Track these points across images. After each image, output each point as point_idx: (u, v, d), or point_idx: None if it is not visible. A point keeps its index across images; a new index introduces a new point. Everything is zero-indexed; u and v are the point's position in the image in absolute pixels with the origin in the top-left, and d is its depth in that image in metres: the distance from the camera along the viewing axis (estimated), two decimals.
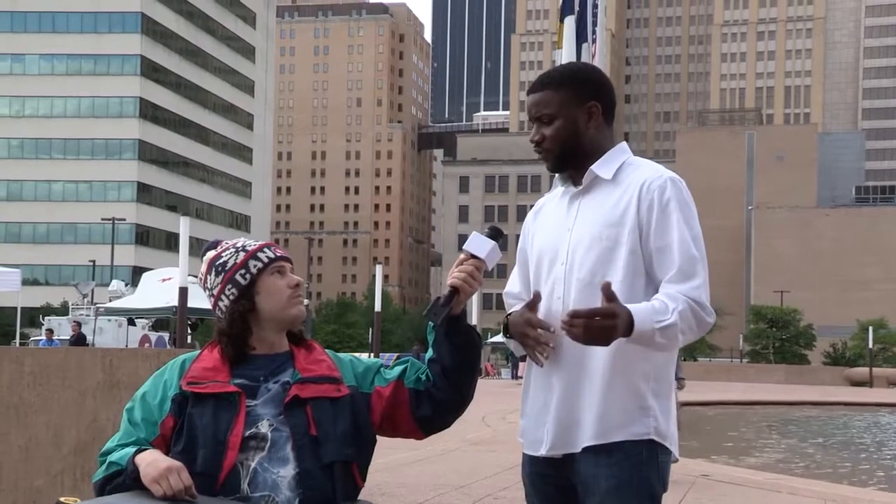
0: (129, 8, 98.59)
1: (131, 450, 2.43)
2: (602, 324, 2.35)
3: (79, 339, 27.07)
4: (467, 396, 2.59)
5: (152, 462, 2.36)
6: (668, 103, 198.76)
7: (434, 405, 2.56)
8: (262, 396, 2.49)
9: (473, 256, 2.50)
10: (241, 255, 2.59)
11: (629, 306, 2.40)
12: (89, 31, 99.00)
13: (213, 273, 2.60)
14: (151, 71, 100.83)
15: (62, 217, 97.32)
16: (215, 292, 2.59)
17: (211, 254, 2.64)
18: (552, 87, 2.63)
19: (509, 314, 2.66)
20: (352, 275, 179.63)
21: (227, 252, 2.61)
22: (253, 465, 2.41)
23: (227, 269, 2.58)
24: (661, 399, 2.53)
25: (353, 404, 2.54)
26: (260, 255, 2.59)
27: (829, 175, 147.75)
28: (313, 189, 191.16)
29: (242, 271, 2.56)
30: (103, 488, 2.45)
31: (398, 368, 2.61)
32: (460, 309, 2.52)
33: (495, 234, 2.55)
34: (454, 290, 2.49)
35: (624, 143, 2.68)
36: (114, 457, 2.46)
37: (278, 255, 2.61)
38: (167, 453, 2.44)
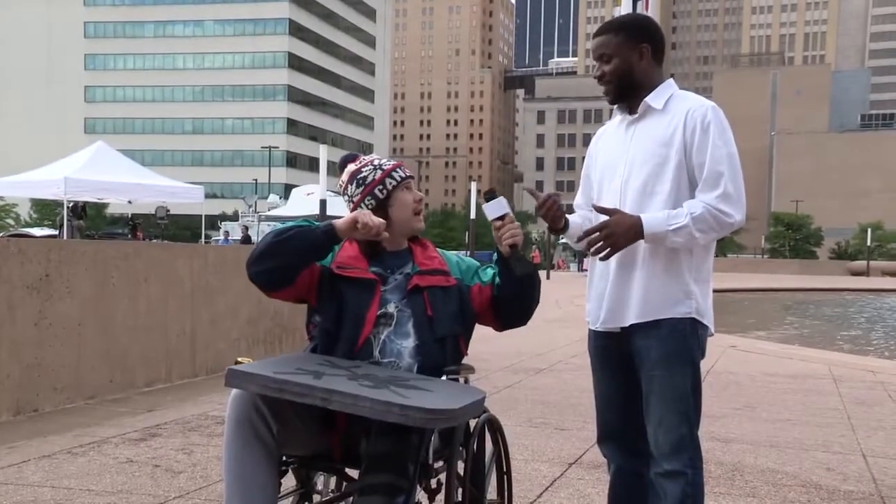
0: None
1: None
2: (602, 236, 2.36)
3: (246, 239, 27.82)
4: (531, 308, 2.57)
5: (345, 218, 2.36)
6: (706, 49, 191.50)
7: (508, 312, 2.55)
8: (390, 285, 2.47)
9: (500, 218, 2.45)
10: (379, 172, 2.53)
11: (643, 215, 2.37)
12: (250, 1, 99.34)
13: (355, 184, 2.54)
14: (297, 31, 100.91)
15: (233, 146, 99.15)
16: (355, 200, 2.53)
17: (352, 167, 2.58)
18: (612, 32, 2.53)
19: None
20: (452, 189, 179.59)
21: (367, 168, 2.55)
22: (382, 337, 2.40)
23: (366, 183, 2.52)
24: (701, 284, 2.47)
25: (459, 292, 2.52)
26: (394, 174, 2.53)
27: (839, 106, 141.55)
28: (421, 122, 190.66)
29: (380, 187, 2.51)
30: (283, 232, 2.36)
31: (490, 272, 2.57)
32: (520, 244, 2.48)
33: (493, 194, 2.49)
34: (514, 246, 2.46)
35: (671, 80, 2.56)
36: (300, 221, 2.42)
37: (407, 174, 2.56)
38: (310, 289, 2.43)
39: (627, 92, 2.52)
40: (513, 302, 2.53)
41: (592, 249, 2.39)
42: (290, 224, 2.40)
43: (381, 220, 2.36)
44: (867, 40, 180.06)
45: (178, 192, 20.94)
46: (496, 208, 2.45)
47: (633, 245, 2.42)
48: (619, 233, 2.35)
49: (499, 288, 2.53)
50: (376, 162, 2.56)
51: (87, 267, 5.63)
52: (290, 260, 2.35)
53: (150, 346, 6.24)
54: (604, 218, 2.40)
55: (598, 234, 2.37)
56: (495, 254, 2.53)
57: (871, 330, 16.20)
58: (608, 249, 2.38)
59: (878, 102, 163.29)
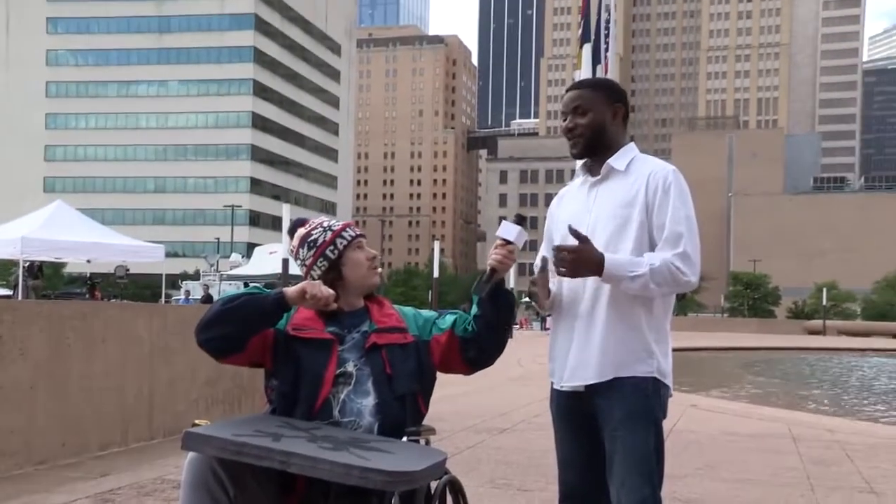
0: (245, 43, 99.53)
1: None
2: (570, 259, 2.38)
3: (207, 299, 27.46)
4: (503, 342, 2.57)
5: (295, 287, 2.36)
6: (664, 112, 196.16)
7: (478, 349, 2.52)
8: (347, 344, 2.46)
9: (506, 241, 2.46)
10: (329, 233, 2.54)
11: (608, 255, 2.39)
12: (214, 62, 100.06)
13: (306, 248, 2.55)
14: (261, 91, 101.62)
15: (195, 205, 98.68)
16: (307, 263, 2.54)
17: (301, 231, 2.58)
18: (590, 88, 2.60)
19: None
20: (415, 248, 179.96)
21: (317, 231, 2.56)
22: (342, 396, 2.39)
23: (317, 245, 2.53)
24: (661, 344, 2.50)
25: (417, 349, 2.51)
26: (344, 233, 2.55)
27: (793, 168, 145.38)
28: (385, 182, 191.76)
29: (331, 247, 2.52)
30: (233, 299, 2.35)
31: (450, 318, 2.57)
32: (499, 278, 2.49)
33: (520, 220, 2.50)
34: (493, 270, 2.47)
35: (633, 143, 2.64)
36: (251, 289, 2.41)
37: (357, 233, 2.57)
38: (263, 353, 2.41)
39: (596, 148, 2.56)
40: (481, 329, 2.49)
41: (557, 264, 2.41)
42: (240, 291, 2.39)
43: (330, 291, 2.36)
44: (816, 106, 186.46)
45: (139, 251, 20.72)
46: (508, 231, 2.45)
47: (595, 304, 2.46)
48: (582, 262, 2.38)
49: (475, 317, 2.51)
50: (325, 224, 2.58)
51: (42, 328, 5.50)
52: (239, 327, 2.34)
53: (106, 409, 6.08)
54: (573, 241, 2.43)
55: (568, 254, 2.40)
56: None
57: (829, 388, 16.36)
58: (566, 271, 2.41)
59: (828, 166, 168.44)
